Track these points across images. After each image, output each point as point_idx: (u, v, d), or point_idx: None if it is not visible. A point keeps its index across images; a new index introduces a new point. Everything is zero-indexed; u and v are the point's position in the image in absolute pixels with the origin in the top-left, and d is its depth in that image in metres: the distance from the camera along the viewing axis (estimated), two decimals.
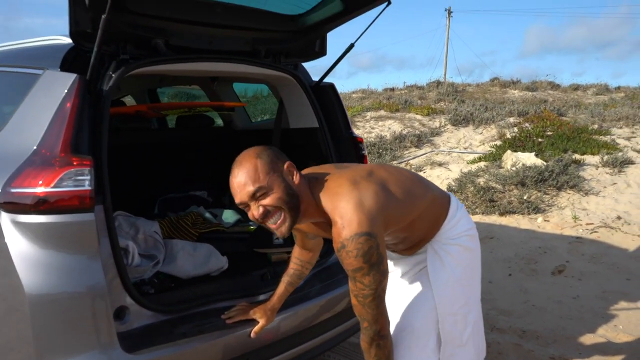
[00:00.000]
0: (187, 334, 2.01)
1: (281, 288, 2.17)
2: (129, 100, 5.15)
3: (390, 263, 2.02)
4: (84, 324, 1.80)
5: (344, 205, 1.61)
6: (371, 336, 1.72)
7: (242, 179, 1.62)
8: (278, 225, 1.67)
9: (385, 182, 1.73)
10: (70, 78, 1.95)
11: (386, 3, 2.49)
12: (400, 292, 2.00)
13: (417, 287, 1.94)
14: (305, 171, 1.85)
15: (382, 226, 1.65)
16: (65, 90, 1.92)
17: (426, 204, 1.84)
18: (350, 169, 1.81)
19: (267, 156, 1.65)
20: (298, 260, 2.16)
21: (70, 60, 2.10)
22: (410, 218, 1.80)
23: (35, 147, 1.87)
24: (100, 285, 1.82)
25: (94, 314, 1.81)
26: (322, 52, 2.95)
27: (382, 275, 1.64)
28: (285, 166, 1.67)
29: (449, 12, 34.29)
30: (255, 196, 1.63)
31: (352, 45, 2.75)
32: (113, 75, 2.12)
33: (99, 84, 2.09)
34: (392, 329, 1.87)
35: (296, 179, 1.68)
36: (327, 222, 1.70)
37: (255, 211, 1.65)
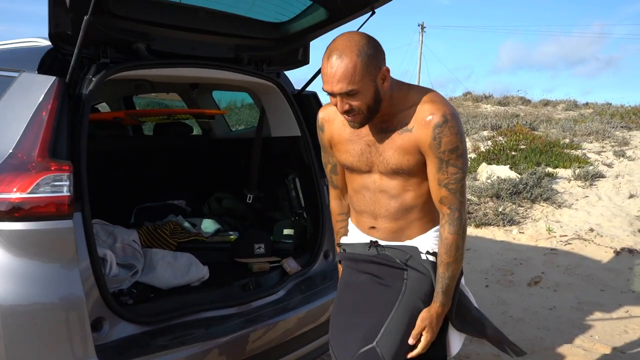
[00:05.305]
0: (167, 346, 1.95)
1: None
2: (103, 107, 5.04)
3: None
4: (60, 336, 1.72)
5: (444, 104, 1.65)
6: (461, 224, 1.66)
7: (338, 73, 1.55)
8: (353, 118, 1.65)
9: None
10: (48, 81, 1.89)
11: (370, 12, 2.49)
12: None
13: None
14: None
15: None
16: (44, 93, 1.86)
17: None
18: None
19: (367, 57, 1.55)
20: (344, 216, 2.00)
21: (48, 63, 2.04)
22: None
23: (10, 151, 1.80)
24: (78, 296, 1.76)
25: (71, 325, 1.74)
26: (305, 60, 2.93)
27: (467, 161, 1.69)
28: (382, 71, 1.60)
29: (422, 28, 34.85)
30: (344, 94, 1.59)
31: None
32: (93, 79, 2.06)
33: (78, 87, 2.03)
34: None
35: (387, 84, 1.63)
36: (383, 123, 1.69)
37: (339, 104, 1.62)
